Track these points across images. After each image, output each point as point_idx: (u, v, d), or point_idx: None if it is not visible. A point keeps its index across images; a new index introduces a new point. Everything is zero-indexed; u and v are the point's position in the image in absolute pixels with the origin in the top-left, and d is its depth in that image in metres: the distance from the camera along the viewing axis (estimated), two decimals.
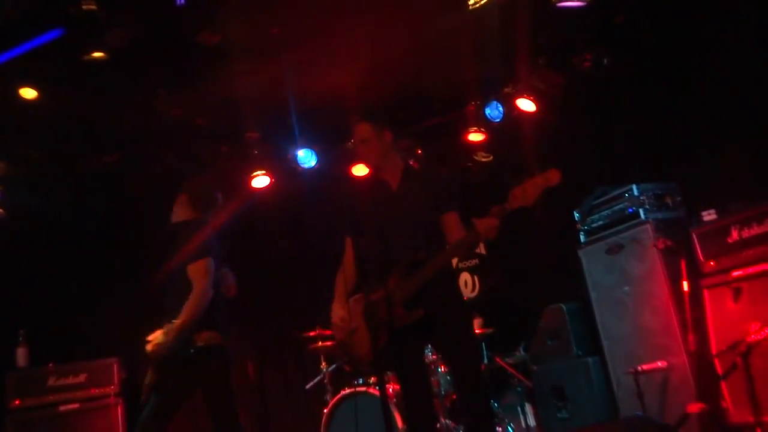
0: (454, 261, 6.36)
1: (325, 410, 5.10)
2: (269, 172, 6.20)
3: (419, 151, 6.06)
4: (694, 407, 3.72)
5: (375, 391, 4.87)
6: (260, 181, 6.20)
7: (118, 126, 5.42)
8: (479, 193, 5.64)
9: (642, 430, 2.19)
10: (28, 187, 5.53)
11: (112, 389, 5.29)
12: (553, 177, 2.90)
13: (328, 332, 5.24)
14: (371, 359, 3.21)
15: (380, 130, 3.31)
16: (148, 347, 3.53)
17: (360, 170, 5.81)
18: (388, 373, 4.68)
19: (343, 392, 5.07)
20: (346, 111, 3.44)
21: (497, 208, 3.00)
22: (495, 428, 4.71)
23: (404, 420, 4.77)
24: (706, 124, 4.46)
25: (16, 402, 5.03)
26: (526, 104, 5.55)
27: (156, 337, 3.53)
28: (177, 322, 3.50)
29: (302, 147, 6.15)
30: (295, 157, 6.15)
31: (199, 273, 3.58)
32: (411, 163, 3.61)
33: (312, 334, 5.52)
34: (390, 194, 3.33)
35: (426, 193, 3.28)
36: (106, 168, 5.72)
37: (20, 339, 5.26)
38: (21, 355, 5.25)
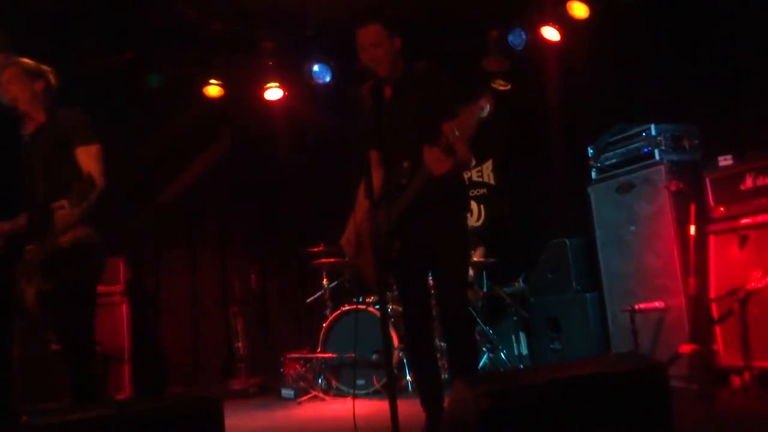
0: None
1: (324, 324, 5.23)
2: (283, 85, 6.12)
3: None
4: (686, 348, 3.78)
5: (373, 310, 4.98)
6: (273, 93, 6.13)
7: (134, 23, 5.29)
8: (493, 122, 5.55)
9: (634, 364, 2.23)
10: None
11: (117, 288, 5.35)
12: (484, 104, 2.58)
13: (331, 249, 5.31)
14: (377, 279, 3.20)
15: (391, 35, 3.01)
16: None
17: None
18: (389, 293, 4.74)
19: (342, 309, 5.18)
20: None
21: (444, 141, 2.67)
22: (477, 356, 4.79)
23: (400, 339, 4.90)
24: (734, 68, 4.33)
25: None
26: (551, 33, 5.39)
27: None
28: None
29: (318, 61, 6.05)
30: (310, 71, 6.06)
31: None
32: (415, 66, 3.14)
33: (316, 249, 5.59)
34: (384, 107, 3.04)
35: (419, 102, 2.97)
36: (118, 66, 5.62)
37: None
38: None
